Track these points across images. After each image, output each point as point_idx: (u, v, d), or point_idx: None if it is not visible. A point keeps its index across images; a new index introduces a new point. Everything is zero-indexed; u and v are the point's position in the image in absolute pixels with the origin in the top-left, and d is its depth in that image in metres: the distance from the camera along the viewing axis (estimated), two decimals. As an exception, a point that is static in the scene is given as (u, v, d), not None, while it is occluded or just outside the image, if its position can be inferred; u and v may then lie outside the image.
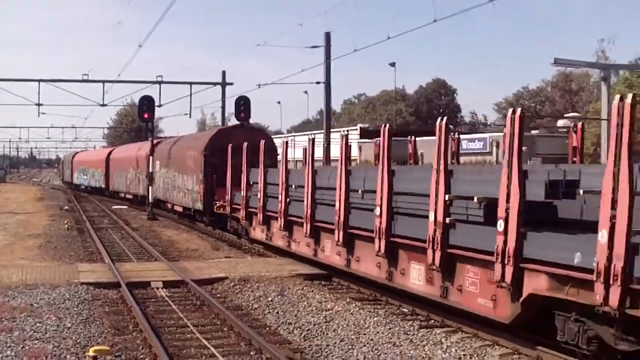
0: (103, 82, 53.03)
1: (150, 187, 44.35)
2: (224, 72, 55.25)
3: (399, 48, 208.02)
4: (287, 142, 24.27)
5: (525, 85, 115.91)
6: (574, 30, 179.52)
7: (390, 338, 14.05)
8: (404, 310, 16.65)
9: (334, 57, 43.00)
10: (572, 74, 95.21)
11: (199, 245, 29.61)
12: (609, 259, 10.37)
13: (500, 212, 12.51)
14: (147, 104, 44.41)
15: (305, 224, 21.49)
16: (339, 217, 18.86)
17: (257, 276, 20.15)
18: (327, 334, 14.48)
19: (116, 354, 12.50)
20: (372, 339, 13.95)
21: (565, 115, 64.17)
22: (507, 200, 12.39)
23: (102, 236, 32.38)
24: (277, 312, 16.41)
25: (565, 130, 48.36)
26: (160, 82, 51.28)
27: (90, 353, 11.88)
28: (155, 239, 32.06)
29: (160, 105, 50.97)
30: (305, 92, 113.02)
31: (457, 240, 14.13)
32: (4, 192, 75.54)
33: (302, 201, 21.67)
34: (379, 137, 16.93)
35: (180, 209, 40.28)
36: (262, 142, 26.42)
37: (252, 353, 12.86)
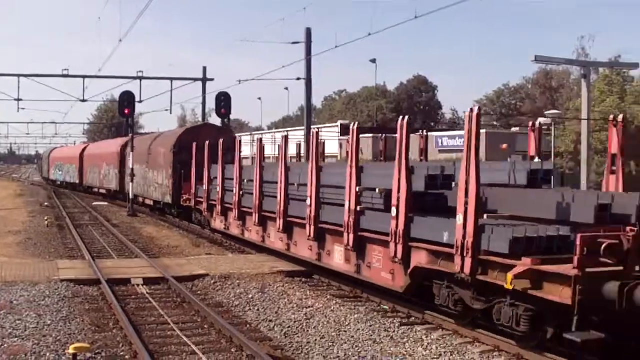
0: (83, 77, 52.87)
1: (130, 184, 44.20)
2: (204, 68, 55.11)
3: (379, 44, 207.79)
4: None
5: (506, 82, 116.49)
6: (554, 28, 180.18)
7: (371, 335, 14.09)
8: (384, 307, 16.70)
9: (315, 53, 42.94)
10: (552, 71, 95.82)
11: (179, 242, 29.56)
12: (464, 236, 13.02)
13: (394, 200, 15.28)
14: (127, 99, 44.28)
15: (254, 214, 24.01)
16: (280, 207, 21.47)
17: (237, 273, 20.15)
18: (307, 330, 14.50)
19: (96, 351, 12.47)
20: (352, 336, 13.99)
21: (520, 117, 64.29)
22: (398, 191, 15.12)
23: (82, 232, 32.27)
24: (258, 309, 16.42)
25: (545, 127, 48.58)
26: (140, 78, 51.14)
27: (70, 350, 11.86)
28: (135, 236, 31.98)
29: (140, 101, 50.98)
30: (286, 88, 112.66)
31: (366, 225, 16.94)
32: (-18, 188, 75.04)
33: (252, 194, 24.11)
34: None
35: (150, 202, 42.56)
36: (221, 140, 28.80)
37: (232, 350, 12.87)
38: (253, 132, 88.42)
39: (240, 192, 25.77)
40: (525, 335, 12.34)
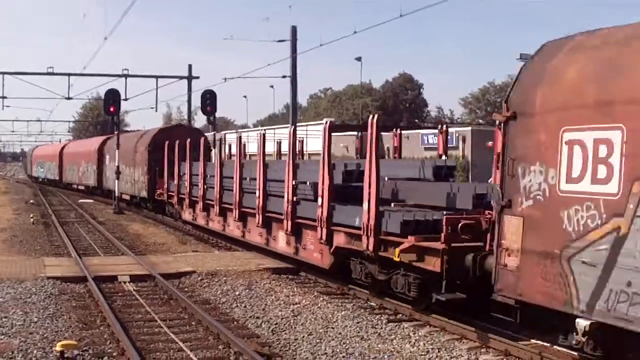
0: (68, 75, 52.80)
1: (117, 182, 44.17)
2: (190, 66, 55.15)
3: (365, 43, 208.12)
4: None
5: (491, 81, 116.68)
6: (539, 25, 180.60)
7: (359, 332, 14.11)
8: (372, 304, 16.72)
9: (300, 51, 43.06)
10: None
11: (166, 239, 29.51)
12: (368, 220, 15.76)
13: (320, 192, 18.01)
14: (112, 97, 44.17)
15: (215, 206, 27.01)
16: (236, 199, 24.48)
17: (224, 270, 20.14)
18: (295, 327, 14.51)
19: (83, 349, 12.43)
20: (340, 333, 14.00)
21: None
22: (323, 184, 17.82)
23: (69, 230, 32.16)
24: (245, 306, 16.42)
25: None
26: (126, 76, 51.15)
27: (58, 348, 11.85)
28: (122, 233, 31.91)
29: (126, 99, 50.87)
30: (272, 86, 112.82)
31: (301, 213, 19.82)
32: (-33, 186, 74.74)
33: (214, 188, 27.11)
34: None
35: (128, 197, 45.52)
36: (189, 140, 31.68)
37: (220, 347, 12.87)
38: (239, 130, 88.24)
39: (205, 187, 28.81)
40: (416, 299, 15.08)
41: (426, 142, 65.72)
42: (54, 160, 78.93)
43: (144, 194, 41.10)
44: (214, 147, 36.61)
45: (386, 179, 18.81)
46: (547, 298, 10.84)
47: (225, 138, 46.34)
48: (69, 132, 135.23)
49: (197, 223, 30.77)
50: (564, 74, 10.93)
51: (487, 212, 13.47)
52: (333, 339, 13.57)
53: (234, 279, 19.21)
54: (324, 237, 17.95)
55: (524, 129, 11.42)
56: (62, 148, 76.81)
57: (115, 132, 46.26)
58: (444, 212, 14.62)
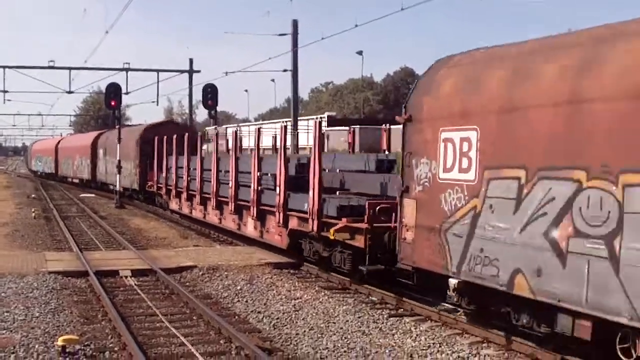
0: (69, 69, 52.79)
1: (118, 176, 44.21)
2: (191, 60, 55.08)
3: (366, 36, 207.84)
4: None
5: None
6: (537, 19, 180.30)
7: (360, 327, 14.12)
8: (373, 299, 16.74)
9: (302, 45, 43.02)
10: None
11: (167, 233, 29.54)
12: (313, 205, 18.58)
13: (277, 182, 21.00)
14: (113, 91, 44.13)
15: (197, 196, 30.16)
16: (213, 189, 27.54)
17: (226, 265, 20.15)
18: (296, 322, 14.52)
19: (85, 343, 12.43)
20: (341, 328, 14.01)
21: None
22: (280, 175, 20.77)
23: (70, 225, 32.19)
24: (246, 301, 16.42)
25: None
26: (127, 70, 51.12)
27: (59, 342, 11.88)
28: (123, 228, 31.92)
29: (127, 93, 50.87)
30: (273, 80, 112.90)
31: (264, 201, 22.64)
32: (-32, 180, 74.75)
33: (196, 180, 30.25)
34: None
35: (121, 189, 46.37)
36: (175, 136, 34.97)
37: (221, 341, 12.86)
38: (240, 124, 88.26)
39: (188, 179, 31.86)
40: (350, 272, 17.80)
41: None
42: (50, 155, 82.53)
43: (136, 186, 43.78)
44: (213, 141, 36.99)
45: (338, 170, 22.30)
46: (432, 264, 13.55)
47: (226, 132, 46.48)
48: (70, 126, 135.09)
49: (183, 212, 33.63)
50: (443, 87, 13.66)
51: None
52: (334, 334, 13.58)
53: (236, 273, 19.21)
54: (281, 221, 20.93)
55: (416, 129, 14.17)
56: (58, 143, 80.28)
57: (117, 126, 46.21)
58: (367, 198, 17.43)
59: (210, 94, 43.55)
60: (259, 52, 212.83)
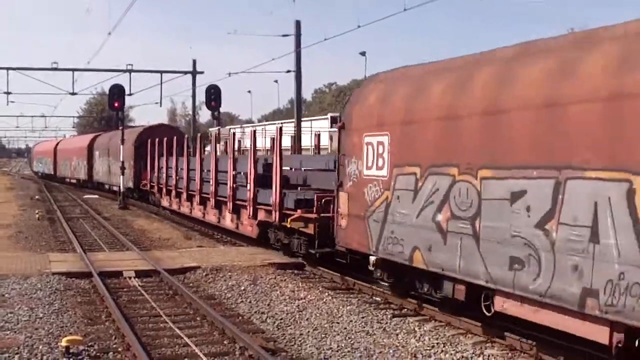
0: (72, 70, 52.63)
1: (122, 177, 44.27)
2: (194, 61, 54.89)
3: (369, 37, 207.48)
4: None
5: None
6: (542, 19, 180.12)
7: (364, 327, 14.12)
8: (377, 299, 16.75)
9: (305, 45, 42.87)
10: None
11: (170, 234, 29.56)
12: (275, 199, 21.56)
13: (248, 179, 24.11)
14: (117, 92, 44.06)
15: (184, 193, 33.45)
16: (198, 187, 30.64)
17: (229, 265, 20.16)
18: (300, 323, 14.52)
19: (89, 344, 12.44)
20: (345, 328, 14.01)
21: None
22: (250, 174, 23.79)
23: (74, 226, 32.23)
24: (250, 302, 16.42)
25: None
26: (130, 71, 50.93)
27: (63, 343, 11.88)
28: (127, 229, 31.96)
29: (130, 94, 50.73)
30: (276, 81, 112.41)
31: (239, 196, 25.68)
32: (-28, 181, 74.78)
33: (183, 178, 33.54)
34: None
35: (116, 188, 49.06)
36: (165, 139, 37.97)
37: (225, 342, 12.87)
38: (243, 125, 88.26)
39: (177, 178, 34.86)
40: (305, 255, 20.51)
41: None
42: (49, 156, 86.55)
43: (130, 184, 46.57)
44: (218, 143, 37.28)
45: (302, 169, 24.94)
46: (359, 245, 16.38)
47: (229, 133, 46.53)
48: (73, 127, 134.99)
49: (172, 208, 36.72)
50: (368, 100, 16.44)
51: None
52: (338, 334, 13.58)
53: (239, 274, 19.22)
54: (251, 213, 24.07)
55: (348, 134, 16.97)
56: (56, 145, 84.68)
57: (120, 128, 46.20)
58: (318, 192, 20.01)
59: (213, 95, 43.49)
60: (262, 52, 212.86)
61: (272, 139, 23.85)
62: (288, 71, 45.32)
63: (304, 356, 12.26)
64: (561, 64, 11.08)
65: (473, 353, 12.49)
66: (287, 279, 18.80)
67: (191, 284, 18.32)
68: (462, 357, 12.31)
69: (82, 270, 19.27)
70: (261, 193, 23.29)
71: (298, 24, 42.32)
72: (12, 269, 19.20)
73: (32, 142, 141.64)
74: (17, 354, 11.92)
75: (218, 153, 29.70)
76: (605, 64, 10.29)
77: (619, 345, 10.13)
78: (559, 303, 10.72)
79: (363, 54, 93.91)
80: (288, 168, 25.28)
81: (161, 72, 53.02)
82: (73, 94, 54.14)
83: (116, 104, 44.12)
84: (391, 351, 12.51)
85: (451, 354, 12.44)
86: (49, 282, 17.77)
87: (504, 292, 11.98)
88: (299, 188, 22.54)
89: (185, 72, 54.31)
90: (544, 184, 10.97)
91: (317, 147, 29.10)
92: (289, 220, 20.08)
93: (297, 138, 38.31)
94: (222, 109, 44.44)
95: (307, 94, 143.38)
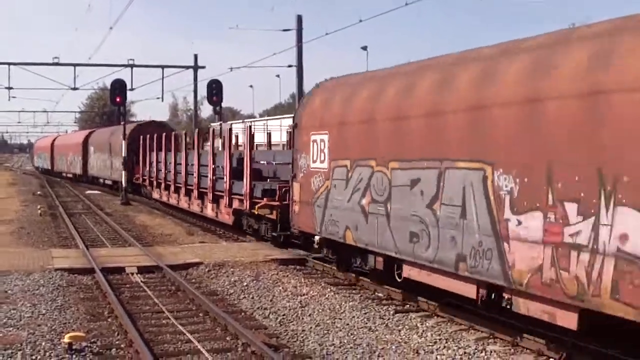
0: (74, 65, 52.58)
1: (123, 172, 44.29)
2: (195, 56, 54.97)
3: (370, 31, 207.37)
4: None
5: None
6: (545, 15, 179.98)
7: (366, 323, 14.12)
8: (379, 295, 16.74)
9: (306, 40, 42.95)
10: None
11: (173, 230, 29.56)
12: (246, 189, 24.42)
13: (225, 172, 27.07)
14: (118, 87, 43.91)
15: (172, 185, 36.27)
16: (184, 180, 33.73)
17: (232, 261, 20.16)
18: (302, 318, 14.53)
19: (92, 340, 12.45)
20: (347, 324, 14.02)
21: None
22: (226, 167, 26.87)
23: (76, 221, 32.23)
24: (253, 297, 16.43)
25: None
26: (131, 66, 50.87)
27: (66, 339, 11.88)
28: (129, 224, 31.97)
29: (132, 89, 50.73)
30: (277, 75, 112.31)
31: (218, 187, 28.65)
32: (-26, 177, 74.81)
33: (171, 172, 36.37)
34: None
35: (110, 182, 54.52)
36: (155, 135, 40.84)
37: (228, 338, 12.87)
38: (245, 120, 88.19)
39: (165, 172, 37.82)
40: (272, 238, 23.35)
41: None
42: (47, 152, 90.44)
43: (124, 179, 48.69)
44: (221, 138, 37.63)
45: (274, 163, 27.87)
46: (308, 227, 18.96)
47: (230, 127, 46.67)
48: (75, 122, 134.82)
49: (162, 200, 39.49)
50: (314, 103, 19.01)
51: None
52: (341, 330, 13.59)
53: (242, 270, 19.23)
54: (227, 202, 27.04)
55: (299, 133, 19.52)
56: (53, 141, 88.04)
57: (122, 123, 46.20)
58: (278, 183, 22.93)
59: (215, 89, 43.44)
60: (263, 47, 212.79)
61: (251, 136, 25.75)
62: (289, 66, 45.44)
63: (306, 352, 12.25)
64: (440, 79, 13.94)
65: (475, 349, 12.48)
66: (290, 275, 18.81)
67: (193, 280, 18.33)
68: (465, 353, 12.30)
69: (84, 266, 19.28)
70: (235, 184, 26.29)
71: (299, 18, 42.35)
72: (14, 265, 19.21)
73: (34, 137, 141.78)
74: (19, 350, 11.93)
75: (207, 149, 32.05)
76: (470, 79, 12.97)
77: (483, 299, 12.68)
78: (443, 267, 13.36)
79: (364, 48, 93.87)
80: (264, 162, 28.74)
81: (163, 66, 52.97)
82: (75, 89, 54.15)
83: (118, 99, 44.00)
84: (393, 347, 12.51)
85: (453, 350, 12.43)
86: (52, 278, 17.79)
87: (408, 261, 14.66)
88: (268, 179, 25.67)
89: (187, 67, 54.34)
90: (431, 173, 13.67)
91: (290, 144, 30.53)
92: (256, 207, 22.89)
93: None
94: (223, 104, 44.42)
95: (308, 89, 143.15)
